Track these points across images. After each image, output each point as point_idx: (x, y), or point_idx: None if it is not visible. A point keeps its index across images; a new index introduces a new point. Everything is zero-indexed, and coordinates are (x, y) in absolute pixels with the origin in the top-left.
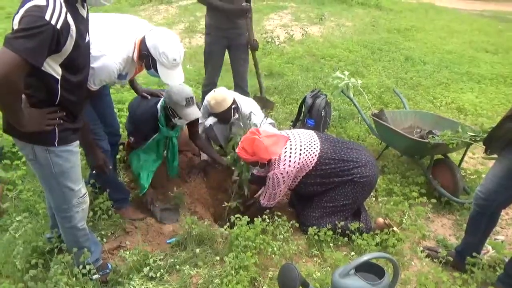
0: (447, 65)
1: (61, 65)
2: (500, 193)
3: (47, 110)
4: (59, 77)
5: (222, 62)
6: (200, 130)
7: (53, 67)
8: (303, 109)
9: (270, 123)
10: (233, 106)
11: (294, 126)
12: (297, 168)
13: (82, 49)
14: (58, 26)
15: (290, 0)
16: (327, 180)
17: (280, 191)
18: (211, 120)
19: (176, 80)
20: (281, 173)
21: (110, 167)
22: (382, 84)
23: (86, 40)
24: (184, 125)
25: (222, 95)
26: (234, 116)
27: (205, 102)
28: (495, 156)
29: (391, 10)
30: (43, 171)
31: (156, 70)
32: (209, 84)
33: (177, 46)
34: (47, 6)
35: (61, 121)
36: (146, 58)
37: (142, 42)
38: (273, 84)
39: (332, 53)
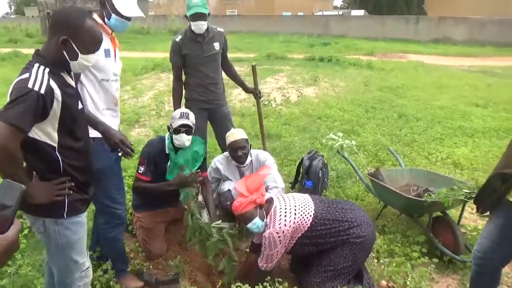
0: (439, 121)
1: (58, 132)
2: (497, 251)
3: (56, 181)
4: (55, 144)
5: (206, 134)
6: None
7: (48, 134)
8: (301, 171)
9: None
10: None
11: (293, 188)
12: (293, 228)
13: (76, 115)
14: (42, 91)
15: (285, 64)
16: (322, 241)
17: (277, 251)
18: (228, 185)
19: (134, 11)
20: (277, 232)
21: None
22: (377, 142)
23: (80, 107)
24: (182, 143)
25: (239, 128)
26: (249, 155)
27: (213, 163)
28: (489, 213)
29: (382, 69)
30: (49, 243)
31: (114, 11)
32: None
33: None
34: (29, 77)
35: (71, 192)
36: (103, 5)
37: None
38: (271, 146)
39: (327, 113)
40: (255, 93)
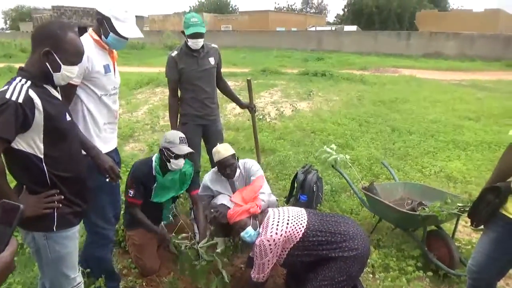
0: (432, 134)
1: (44, 143)
2: (492, 265)
3: (44, 194)
4: (41, 156)
5: (200, 150)
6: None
7: (32, 145)
8: (295, 185)
9: (272, 202)
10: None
11: (287, 202)
12: (285, 237)
13: (62, 126)
14: (20, 101)
15: (280, 78)
16: (314, 252)
17: (268, 261)
18: (221, 199)
19: (133, 32)
20: (268, 240)
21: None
22: (371, 156)
23: (68, 119)
24: (179, 167)
25: (224, 144)
26: (238, 168)
27: (204, 180)
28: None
29: (375, 83)
30: (40, 257)
31: (113, 30)
32: (197, 172)
33: (124, 4)
34: (8, 89)
35: (60, 205)
36: (101, 24)
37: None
38: (266, 160)
39: (321, 127)
40: (250, 107)
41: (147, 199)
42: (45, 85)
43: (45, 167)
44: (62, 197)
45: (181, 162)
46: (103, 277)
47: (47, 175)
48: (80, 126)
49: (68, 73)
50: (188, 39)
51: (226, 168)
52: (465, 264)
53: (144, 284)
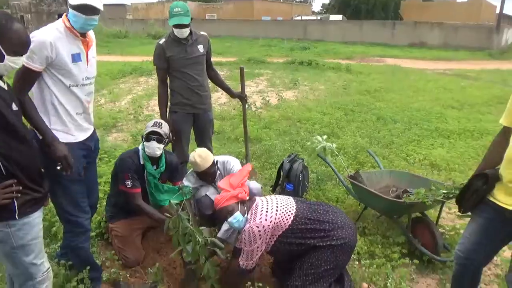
0: (417, 123)
1: None
2: (479, 251)
3: (2, 184)
4: None
5: (189, 139)
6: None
7: None
8: (281, 174)
9: (256, 188)
10: (215, 160)
11: (273, 191)
12: (274, 223)
13: (7, 116)
14: None
15: (266, 68)
16: (303, 241)
17: (257, 247)
18: (204, 190)
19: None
20: (257, 226)
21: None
22: (356, 144)
23: (15, 109)
24: (153, 151)
25: (204, 151)
26: (217, 171)
27: (184, 180)
28: (470, 213)
29: (361, 73)
30: (4, 247)
31: (70, 7)
32: (183, 162)
33: None
34: None
35: (18, 195)
36: (67, 6)
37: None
38: (252, 150)
39: (307, 116)
40: (242, 96)
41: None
42: None
43: None
44: (20, 187)
45: (152, 144)
46: (87, 269)
47: (1, 165)
48: (52, 114)
49: (12, 63)
50: (174, 29)
51: (207, 177)
52: (448, 250)
53: (128, 275)
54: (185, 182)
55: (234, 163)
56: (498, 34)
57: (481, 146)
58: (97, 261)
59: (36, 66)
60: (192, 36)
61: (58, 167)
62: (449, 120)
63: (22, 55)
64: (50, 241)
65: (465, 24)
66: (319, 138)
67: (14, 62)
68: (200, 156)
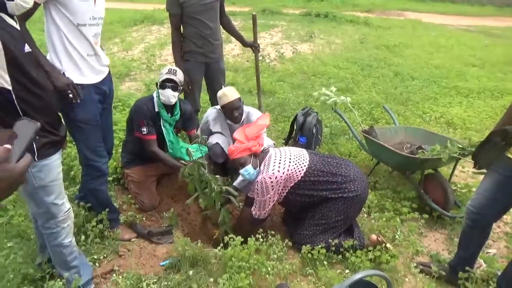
0: (435, 80)
1: (9, 74)
2: (492, 207)
3: None
4: (10, 87)
5: (201, 88)
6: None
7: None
8: (294, 127)
9: (269, 145)
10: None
11: (286, 144)
12: (286, 175)
13: (19, 57)
14: None
15: (281, 19)
16: (315, 193)
17: (270, 198)
18: (216, 138)
19: None
20: (270, 177)
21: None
22: (372, 100)
23: (27, 51)
24: (168, 99)
25: (229, 87)
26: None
27: (204, 118)
28: (485, 170)
29: (379, 26)
30: (26, 187)
31: None
32: (195, 111)
33: None
34: None
35: (37, 137)
36: None
37: None
38: (265, 102)
39: (322, 71)
40: (254, 46)
41: (158, 136)
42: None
43: (15, 98)
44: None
45: (167, 92)
46: (106, 211)
47: (18, 106)
48: (63, 56)
49: (23, 2)
50: None
51: (233, 111)
52: (459, 207)
53: (144, 218)
54: (209, 116)
55: (257, 116)
56: None
57: (501, 106)
58: (115, 204)
59: None
60: None
61: (70, 95)
62: (469, 78)
63: None
64: (69, 184)
65: None
66: (326, 91)
67: (25, 1)
68: (227, 89)
